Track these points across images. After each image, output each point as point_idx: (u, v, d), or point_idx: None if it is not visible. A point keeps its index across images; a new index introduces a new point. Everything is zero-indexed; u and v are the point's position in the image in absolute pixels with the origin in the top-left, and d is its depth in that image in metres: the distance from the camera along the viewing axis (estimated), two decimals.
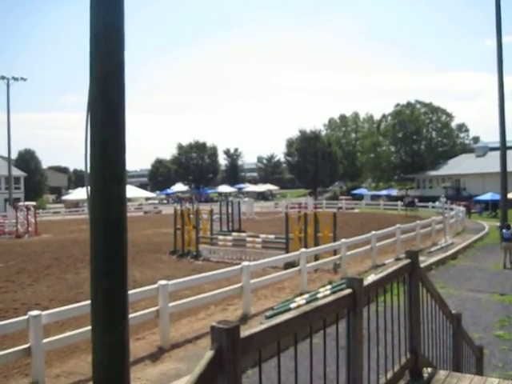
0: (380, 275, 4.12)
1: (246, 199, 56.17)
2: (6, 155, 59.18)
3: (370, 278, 4.06)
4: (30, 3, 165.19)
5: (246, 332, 2.24)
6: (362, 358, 3.50)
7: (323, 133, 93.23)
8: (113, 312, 3.30)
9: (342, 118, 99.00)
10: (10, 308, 12.55)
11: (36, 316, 6.95)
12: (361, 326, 3.34)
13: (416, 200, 52.88)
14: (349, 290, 3.19)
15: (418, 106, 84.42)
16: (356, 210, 54.94)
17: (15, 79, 55.84)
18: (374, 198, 67.42)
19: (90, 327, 7.72)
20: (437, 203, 45.16)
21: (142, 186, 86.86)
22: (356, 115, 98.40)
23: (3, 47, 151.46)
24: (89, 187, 3.20)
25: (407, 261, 4.60)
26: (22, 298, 13.88)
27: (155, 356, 8.70)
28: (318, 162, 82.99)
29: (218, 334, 2.10)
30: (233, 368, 2.03)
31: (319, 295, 12.31)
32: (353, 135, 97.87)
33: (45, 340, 7.16)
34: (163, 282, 9.12)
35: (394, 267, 4.47)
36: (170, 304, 9.30)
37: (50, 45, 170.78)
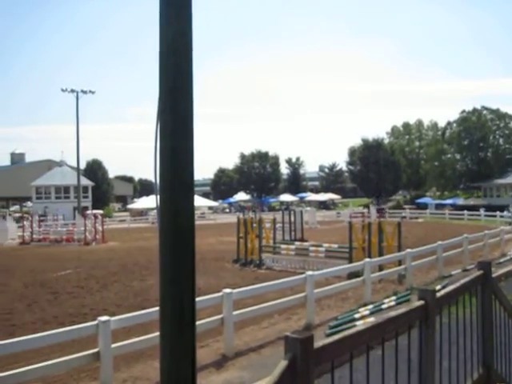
0: (452, 287, 4.00)
1: (308, 208, 55.97)
2: (75, 165, 61.30)
3: (442, 290, 3.95)
4: (99, 18, 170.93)
5: (319, 342, 2.21)
6: (434, 371, 3.40)
7: (386, 141, 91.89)
8: (181, 319, 3.33)
9: (406, 125, 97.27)
10: (79, 313, 12.93)
11: (105, 321, 7.12)
12: (433, 338, 3.25)
13: None
14: (421, 302, 3.11)
15: (485, 112, 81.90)
16: (420, 220, 53.80)
17: (84, 92, 57.88)
18: (438, 207, 65.77)
19: (155, 334, 7.86)
20: (505, 213, 43.82)
21: (205, 195, 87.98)
22: (420, 123, 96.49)
23: (72, 61, 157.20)
24: (158, 196, 3.26)
25: (479, 272, 4.44)
26: (90, 303, 14.28)
27: (219, 363, 8.75)
28: (380, 170, 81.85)
29: (291, 344, 2.08)
30: (306, 378, 2.01)
31: (384, 306, 12.12)
32: (416, 143, 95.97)
33: (113, 345, 7.33)
34: (228, 291, 9.17)
35: (466, 278, 4.33)
36: (234, 312, 9.35)
37: (119, 57, 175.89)
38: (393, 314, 2.82)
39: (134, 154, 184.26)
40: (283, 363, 2.03)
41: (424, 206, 65.65)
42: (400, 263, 16.20)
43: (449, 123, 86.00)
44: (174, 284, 3.29)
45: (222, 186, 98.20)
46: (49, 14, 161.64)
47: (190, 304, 3.43)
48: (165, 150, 3.21)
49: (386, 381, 2.85)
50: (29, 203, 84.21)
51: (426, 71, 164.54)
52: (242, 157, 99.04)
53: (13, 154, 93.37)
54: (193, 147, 3.24)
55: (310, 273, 11.51)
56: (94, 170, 76.89)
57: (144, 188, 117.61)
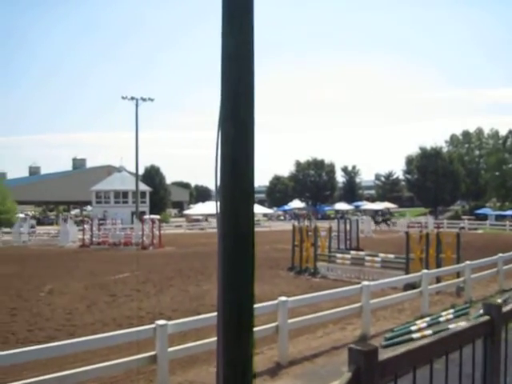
0: None
1: (364, 217, 55.36)
2: (134, 171, 62.65)
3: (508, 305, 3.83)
4: (162, 27, 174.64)
5: (383, 355, 2.19)
6: None
7: (445, 150, 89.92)
8: (239, 326, 3.34)
9: (465, 134, 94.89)
10: (137, 316, 13.17)
11: (162, 325, 7.24)
12: (498, 354, 3.16)
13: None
14: (486, 317, 3.03)
15: None
16: (479, 231, 52.33)
17: (143, 99, 59.16)
18: (498, 218, 63.78)
19: (211, 339, 7.92)
20: None
21: (260, 202, 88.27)
22: (480, 131, 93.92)
23: (133, 69, 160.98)
24: (218, 203, 3.30)
25: None
26: (146, 306, 14.53)
27: (273, 372, 8.74)
28: (438, 179, 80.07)
29: (355, 356, 2.07)
30: None
31: (441, 319, 11.86)
32: (476, 152, 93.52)
33: (170, 349, 7.44)
34: (283, 299, 9.17)
35: None
36: (289, 320, 9.33)
37: (178, 66, 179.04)
38: (457, 328, 2.76)
39: (190, 160, 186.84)
40: (347, 375, 2.02)
41: (483, 217, 63.78)
42: (458, 275, 15.80)
43: (510, 131, 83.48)
44: (232, 290, 3.31)
45: (277, 193, 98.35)
46: (112, 20, 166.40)
47: (248, 311, 3.44)
48: (225, 157, 3.24)
49: None
50: (88, 207, 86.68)
51: (487, 77, 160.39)
52: (298, 164, 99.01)
53: (74, 160, 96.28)
54: (253, 155, 3.27)
55: (366, 283, 11.38)
56: (152, 175, 78.34)
57: (200, 194, 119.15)
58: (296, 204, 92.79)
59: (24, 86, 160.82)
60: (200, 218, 74.91)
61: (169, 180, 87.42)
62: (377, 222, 52.28)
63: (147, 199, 68.17)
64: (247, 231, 3.29)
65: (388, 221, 55.30)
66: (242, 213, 3.23)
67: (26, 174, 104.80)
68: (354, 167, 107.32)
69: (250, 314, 3.49)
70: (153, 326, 7.38)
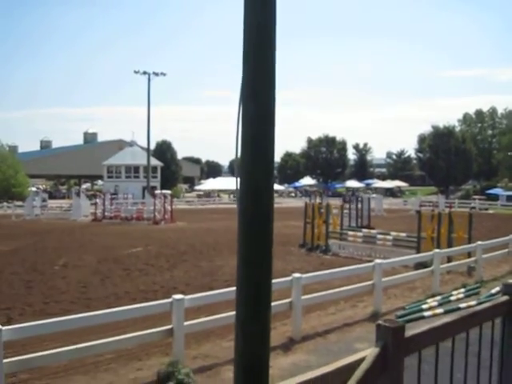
0: None
1: (375, 195, 55.30)
2: (145, 146, 62.75)
3: None
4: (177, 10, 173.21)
5: (409, 332, 2.25)
6: None
7: (457, 129, 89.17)
8: (257, 301, 3.41)
9: (479, 113, 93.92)
10: (150, 290, 13.36)
11: (179, 300, 7.35)
12: None
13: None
14: (505, 297, 3.08)
15: None
16: (490, 211, 52.14)
17: (156, 74, 58.96)
18: (510, 198, 63.43)
19: (226, 314, 8.03)
20: None
21: None
22: (494, 110, 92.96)
23: (147, 44, 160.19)
24: (238, 179, 3.35)
25: None
26: (160, 281, 14.71)
27: (286, 346, 8.87)
28: (450, 158, 79.56)
29: (383, 332, 2.13)
30: (396, 366, 2.05)
31: (452, 298, 11.91)
32: (489, 132, 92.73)
33: (186, 323, 7.56)
34: (297, 275, 9.27)
35: None
36: (303, 297, 9.44)
37: (191, 42, 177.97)
38: (477, 308, 2.82)
39: (202, 135, 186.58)
40: (375, 350, 2.08)
41: (495, 197, 63.45)
42: (470, 255, 15.84)
43: None
44: (251, 266, 3.38)
45: (288, 170, 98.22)
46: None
47: (266, 286, 3.51)
48: (246, 136, 3.29)
49: (468, 374, 2.85)
50: (99, 181, 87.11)
51: (500, 57, 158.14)
52: (309, 141, 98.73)
53: (85, 134, 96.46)
54: (274, 134, 3.31)
55: (378, 261, 11.45)
56: (164, 150, 78.39)
57: (211, 170, 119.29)
58: (307, 181, 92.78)
59: (37, 59, 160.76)
60: (212, 193, 75.34)
61: (180, 155, 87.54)
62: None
63: (158, 174, 68.33)
64: (267, 208, 3.35)
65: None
66: (262, 190, 3.28)
67: (37, 147, 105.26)
68: (365, 145, 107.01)
69: (268, 289, 3.56)
70: (169, 300, 7.49)
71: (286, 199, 69.35)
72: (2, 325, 6.36)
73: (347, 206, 27.60)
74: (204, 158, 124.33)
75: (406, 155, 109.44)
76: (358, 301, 12.05)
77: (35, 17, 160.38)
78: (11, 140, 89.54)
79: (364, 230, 21.66)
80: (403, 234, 19.44)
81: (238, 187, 3.36)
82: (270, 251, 3.47)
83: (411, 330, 2.32)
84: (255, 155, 3.24)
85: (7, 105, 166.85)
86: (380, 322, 2.20)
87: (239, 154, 3.35)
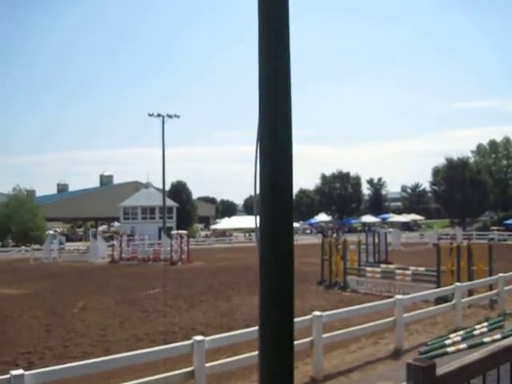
0: None
1: (391, 229, 54.95)
2: (160, 187, 63.18)
3: None
4: (191, 46, 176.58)
5: (440, 370, 2.23)
6: None
7: (471, 160, 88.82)
8: (280, 341, 3.41)
9: (492, 143, 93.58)
10: (170, 331, 13.29)
11: (200, 341, 7.31)
12: None
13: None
14: None
15: None
16: (510, 242, 51.51)
17: (169, 116, 59.71)
18: None
19: (247, 354, 7.96)
20: None
21: None
22: (507, 140, 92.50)
23: (162, 88, 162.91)
24: (257, 217, 3.39)
25: None
26: (179, 322, 14.65)
27: None
28: (466, 190, 79.04)
29: (414, 372, 2.12)
30: None
31: (475, 332, 11.73)
32: (504, 162, 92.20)
33: (207, 364, 7.50)
34: (317, 313, 9.20)
35: None
36: (324, 335, 9.34)
37: (206, 86, 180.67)
38: (508, 343, 2.79)
39: (216, 175, 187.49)
40: None
41: None
42: (491, 288, 15.62)
43: None
44: (273, 306, 3.39)
45: (303, 206, 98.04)
46: (135, 39, 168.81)
47: (288, 326, 3.52)
48: (264, 174, 3.35)
49: None
50: (116, 223, 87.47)
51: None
52: (323, 177, 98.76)
53: (102, 176, 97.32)
54: (291, 172, 3.37)
55: (399, 297, 11.35)
56: (179, 191, 78.76)
57: (226, 209, 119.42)
58: (322, 217, 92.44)
59: (52, 103, 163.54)
60: (226, 232, 75.39)
61: (195, 195, 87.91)
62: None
63: (174, 214, 68.59)
64: (287, 248, 3.38)
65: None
66: (282, 229, 3.32)
67: (54, 191, 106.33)
68: (379, 179, 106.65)
69: (290, 329, 3.56)
70: (190, 341, 7.46)
71: (301, 236, 69.03)
72: (23, 369, 6.37)
73: (364, 241, 27.43)
74: (219, 197, 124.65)
75: (421, 188, 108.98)
76: (379, 338, 11.90)
77: (49, 63, 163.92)
78: (28, 184, 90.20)
79: (382, 266, 21.47)
80: (422, 269, 19.26)
81: (258, 225, 3.40)
82: (291, 290, 3.49)
83: (439, 368, 2.30)
84: (274, 193, 3.29)
85: (24, 149, 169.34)
86: (410, 361, 2.19)
87: (258, 192, 3.40)
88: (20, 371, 6.08)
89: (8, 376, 5.91)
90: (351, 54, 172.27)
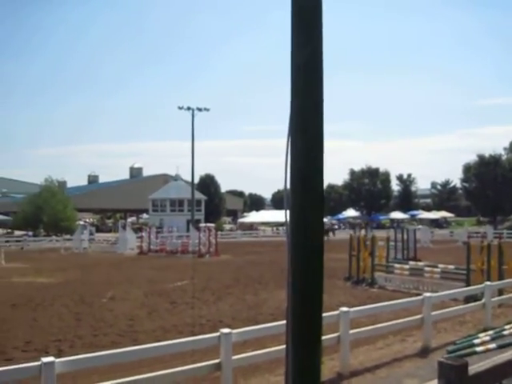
0: None
1: (421, 226, 54.41)
2: (189, 179, 63.54)
3: None
4: (222, 38, 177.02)
5: (472, 370, 2.21)
6: None
7: (504, 157, 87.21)
8: (308, 335, 3.41)
9: None
10: (197, 323, 13.39)
11: (227, 334, 7.36)
12: None
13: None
14: None
15: None
16: None
17: (199, 110, 59.94)
18: None
19: (274, 348, 7.98)
20: None
21: None
22: None
23: (192, 80, 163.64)
24: (287, 211, 3.38)
25: None
26: (206, 314, 14.74)
27: (335, 382, 8.77)
28: (497, 187, 77.72)
29: (446, 370, 2.10)
30: None
31: (505, 332, 11.55)
32: None
33: (234, 357, 7.55)
34: (345, 309, 9.18)
35: None
36: (351, 331, 9.32)
37: (234, 77, 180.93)
38: None
39: (244, 169, 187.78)
40: None
41: None
42: None
43: None
44: (302, 300, 3.39)
45: (331, 202, 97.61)
46: (168, 33, 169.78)
47: (317, 321, 3.51)
48: (295, 168, 3.34)
49: None
50: (145, 215, 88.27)
51: None
52: (352, 173, 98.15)
53: (131, 169, 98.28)
54: (322, 167, 3.35)
55: (427, 294, 11.25)
56: (207, 184, 79.10)
57: (254, 202, 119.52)
58: (350, 213, 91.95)
59: (85, 97, 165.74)
60: (254, 225, 75.50)
61: (223, 188, 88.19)
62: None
63: (202, 207, 68.84)
64: (317, 242, 3.37)
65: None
66: (312, 224, 3.31)
67: (85, 182, 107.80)
68: (409, 175, 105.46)
69: (318, 324, 3.55)
70: (217, 334, 7.51)
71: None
72: (54, 357, 6.49)
73: (392, 237, 27.21)
74: (247, 191, 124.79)
75: (452, 185, 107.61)
76: (406, 335, 11.82)
77: (80, 56, 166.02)
78: (60, 175, 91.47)
79: (411, 263, 21.29)
80: (451, 267, 19.04)
81: (288, 220, 3.40)
82: (320, 285, 3.48)
83: (470, 367, 2.28)
84: (305, 188, 3.28)
85: (56, 141, 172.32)
86: (442, 359, 2.17)
87: (288, 187, 3.40)
88: (51, 358, 6.20)
89: (39, 363, 6.03)
90: (382, 46, 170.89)
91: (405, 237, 27.76)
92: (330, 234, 56.87)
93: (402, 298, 13.88)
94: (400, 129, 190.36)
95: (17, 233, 63.12)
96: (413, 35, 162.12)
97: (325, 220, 79.70)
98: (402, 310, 12.40)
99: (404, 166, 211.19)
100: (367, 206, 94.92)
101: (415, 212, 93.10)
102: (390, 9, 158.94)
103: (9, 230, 68.14)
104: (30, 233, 57.70)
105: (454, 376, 2.03)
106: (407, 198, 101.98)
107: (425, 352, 10.49)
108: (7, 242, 49.17)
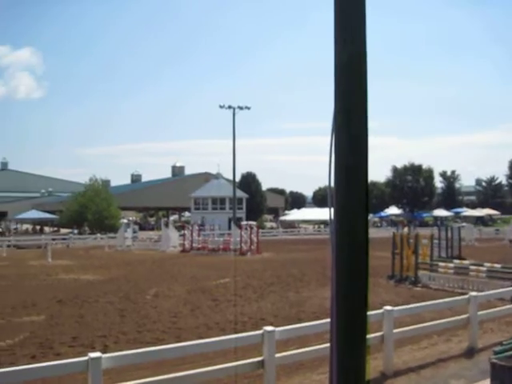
0: None
1: (465, 224, 53.36)
2: (230, 177, 63.84)
3: None
4: (266, 42, 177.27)
5: None
6: None
7: None
8: (352, 334, 3.40)
9: None
10: (239, 321, 13.44)
11: (270, 331, 7.37)
12: None
13: None
14: None
15: None
16: None
17: (240, 108, 60.15)
18: None
19: (317, 346, 7.96)
20: None
21: None
22: None
23: (233, 80, 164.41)
24: (332, 209, 3.37)
25: None
26: (248, 312, 14.79)
27: (378, 382, 8.68)
28: None
29: (499, 371, 2.07)
30: None
31: None
32: None
33: (277, 355, 7.55)
34: (389, 308, 9.08)
35: None
36: (395, 330, 9.22)
37: (275, 75, 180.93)
38: None
39: (285, 166, 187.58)
40: None
41: None
42: None
43: None
44: (347, 299, 3.38)
45: (373, 199, 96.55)
46: (208, 32, 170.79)
47: (362, 320, 3.50)
48: (339, 166, 3.32)
49: None
50: (186, 213, 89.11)
51: None
52: (394, 170, 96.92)
53: (174, 167, 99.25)
54: (367, 165, 3.33)
55: (473, 293, 11.03)
56: (248, 182, 79.30)
57: (295, 200, 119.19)
58: (392, 210, 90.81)
59: (128, 97, 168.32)
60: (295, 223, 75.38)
61: (264, 186, 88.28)
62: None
63: (244, 205, 69.15)
64: (362, 240, 3.35)
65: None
66: (357, 221, 3.29)
67: (128, 181, 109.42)
68: (453, 172, 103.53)
69: (363, 323, 3.55)
70: (261, 331, 7.53)
71: (370, 229, 67.90)
72: (100, 352, 6.63)
73: (436, 235, 26.78)
74: (288, 188, 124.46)
75: (497, 182, 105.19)
76: (452, 335, 11.63)
77: (124, 56, 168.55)
78: (104, 174, 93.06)
79: (455, 261, 20.92)
80: (498, 265, 18.63)
81: (332, 217, 3.38)
82: (365, 283, 3.47)
83: None
84: (349, 185, 3.27)
85: (101, 141, 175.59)
86: (495, 360, 2.13)
87: (332, 184, 3.39)
88: (98, 354, 6.33)
89: (86, 358, 6.16)
90: (421, 39, 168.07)
91: (449, 235, 27.33)
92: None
93: (446, 297, 13.63)
94: (443, 125, 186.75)
95: (63, 231, 64.65)
96: (450, 28, 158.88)
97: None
98: (446, 309, 12.22)
99: (447, 163, 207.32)
100: (410, 204, 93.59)
101: (459, 209, 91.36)
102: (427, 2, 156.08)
103: (55, 228, 69.80)
104: (75, 231, 58.97)
105: (508, 377, 1.99)
106: (451, 196, 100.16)
107: (470, 352, 10.30)
108: (54, 239, 50.25)
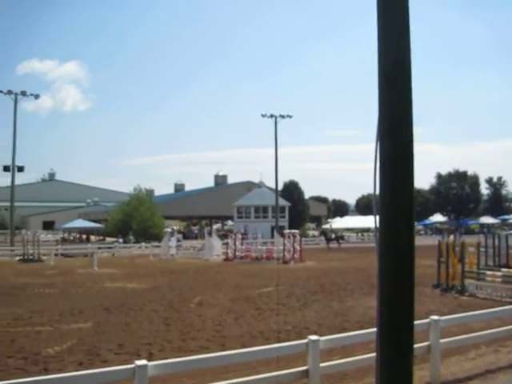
0: None
1: None
2: (273, 186, 63.97)
3: None
4: (308, 47, 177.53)
5: None
6: None
7: None
8: (399, 343, 3.36)
9: None
10: (283, 330, 13.41)
11: (315, 340, 7.34)
12: None
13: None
14: None
15: None
16: None
17: (282, 117, 60.40)
18: None
19: (362, 356, 7.88)
20: None
21: None
22: None
23: (274, 88, 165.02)
24: (377, 217, 3.35)
25: None
26: (292, 320, 14.73)
27: None
28: None
29: None
30: None
31: None
32: None
33: (322, 364, 7.51)
34: (435, 317, 8.93)
35: None
36: (441, 340, 9.05)
37: (317, 85, 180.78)
38: None
39: (327, 174, 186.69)
40: None
41: None
42: None
43: None
44: (392, 308, 3.34)
45: (417, 206, 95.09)
46: (248, 41, 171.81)
47: (408, 329, 3.46)
48: (384, 174, 3.30)
49: None
50: (229, 222, 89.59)
51: None
52: (439, 177, 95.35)
53: (216, 176, 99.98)
54: (413, 171, 3.30)
55: None
56: (291, 190, 79.23)
57: (338, 209, 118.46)
58: (437, 218, 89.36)
59: (171, 109, 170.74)
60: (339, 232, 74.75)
61: (307, 195, 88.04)
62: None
63: (286, 214, 69.13)
64: (408, 248, 3.32)
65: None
66: (402, 229, 3.27)
67: (171, 190, 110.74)
68: (499, 178, 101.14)
69: (409, 332, 3.50)
70: (305, 340, 7.51)
71: (415, 237, 67.08)
72: (145, 360, 6.71)
73: (483, 243, 26.18)
74: (330, 196, 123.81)
75: None
76: (500, 345, 11.34)
77: (166, 67, 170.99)
78: (148, 184, 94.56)
79: (503, 270, 20.40)
80: None
81: (377, 225, 3.36)
82: (412, 291, 3.43)
83: None
84: (394, 193, 3.25)
85: (145, 151, 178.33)
86: None
87: (377, 192, 3.37)
88: (144, 361, 6.42)
89: (133, 366, 6.24)
90: (466, 46, 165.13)
91: (496, 242, 26.66)
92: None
93: (493, 306, 13.31)
94: (488, 130, 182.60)
95: (108, 240, 65.68)
96: (496, 31, 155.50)
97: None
98: (495, 319, 11.93)
99: (493, 169, 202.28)
100: (455, 211, 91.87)
101: (506, 216, 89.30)
102: (475, 7, 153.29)
103: (101, 237, 71.03)
104: (121, 240, 59.85)
105: None
106: (498, 202, 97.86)
107: None
108: (99, 248, 51.12)
